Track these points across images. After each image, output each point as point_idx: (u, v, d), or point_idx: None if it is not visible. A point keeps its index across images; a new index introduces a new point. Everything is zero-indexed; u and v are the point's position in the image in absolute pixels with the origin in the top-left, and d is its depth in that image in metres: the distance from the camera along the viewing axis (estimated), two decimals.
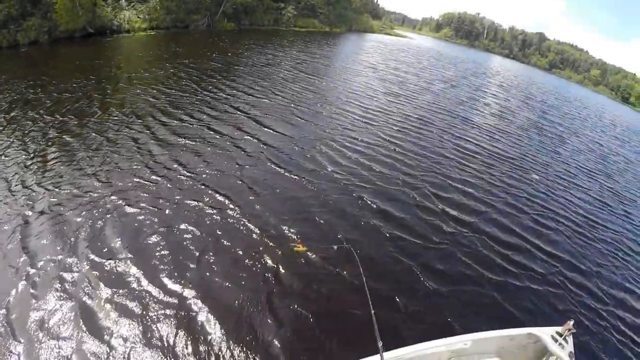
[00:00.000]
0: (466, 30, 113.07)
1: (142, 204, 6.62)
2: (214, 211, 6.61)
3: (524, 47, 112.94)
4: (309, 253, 6.07)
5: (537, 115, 25.31)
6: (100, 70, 14.11)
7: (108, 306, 4.70)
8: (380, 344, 3.05)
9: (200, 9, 24.89)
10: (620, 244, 9.98)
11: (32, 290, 4.84)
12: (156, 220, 6.28)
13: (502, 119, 20.44)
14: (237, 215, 6.61)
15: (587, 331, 6.11)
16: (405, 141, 12.78)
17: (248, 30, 29.85)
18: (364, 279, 4.10)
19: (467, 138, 15.06)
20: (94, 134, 9.23)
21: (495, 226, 8.75)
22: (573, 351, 3.92)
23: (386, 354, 3.30)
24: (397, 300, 5.65)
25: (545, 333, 4.05)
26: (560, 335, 3.99)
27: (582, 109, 39.63)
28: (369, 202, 8.22)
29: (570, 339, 4.01)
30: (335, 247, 5.95)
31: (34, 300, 4.72)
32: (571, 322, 4.03)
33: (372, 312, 3.34)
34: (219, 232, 6.21)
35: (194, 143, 9.23)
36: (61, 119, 9.81)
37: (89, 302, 4.76)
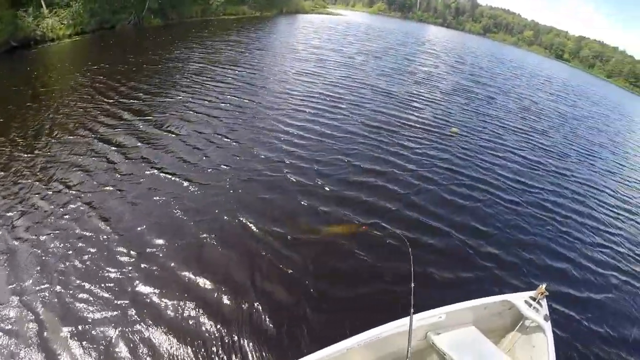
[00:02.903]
0: (399, 3, 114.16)
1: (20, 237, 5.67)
2: (88, 235, 5.83)
3: (457, 14, 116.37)
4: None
5: (466, 79, 24.89)
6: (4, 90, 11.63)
7: None
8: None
9: (126, 7, 23.92)
10: (561, 201, 9.97)
11: None
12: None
13: (426, 86, 19.50)
14: (111, 237, 5.82)
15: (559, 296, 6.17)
16: (308, 122, 11.24)
17: (175, 24, 28.28)
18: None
19: (384, 111, 13.73)
20: None
21: (419, 204, 8.06)
22: (548, 313, 4.06)
23: (361, 335, 3.40)
24: None
25: (519, 298, 4.21)
26: (534, 299, 4.14)
27: (515, 69, 40.41)
28: (248, 201, 7.10)
29: (544, 302, 4.14)
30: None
31: None
32: (543, 286, 4.15)
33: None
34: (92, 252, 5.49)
35: (80, 158, 7.97)
36: None
37: None
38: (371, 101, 14.62)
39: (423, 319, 3.87)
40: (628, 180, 13.95)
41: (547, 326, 3.96)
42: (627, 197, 12.07)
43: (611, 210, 10.53)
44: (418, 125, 12.90)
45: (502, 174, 10.61)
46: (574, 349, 5.27)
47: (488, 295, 4.33)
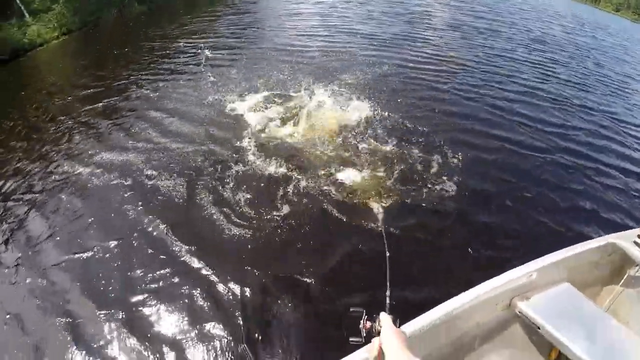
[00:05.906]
0: None
1: None
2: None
3: None
4: None
5: (466, 15, 22.40)
6: None
7: None
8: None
9: None
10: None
11: None
12: None
13: (420, 25, 17.18)
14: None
15: None
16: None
17: (160, 8, 25.60)
18: None
19: (365, 54, 11.56)
20: None
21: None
22: None
23: (434, 311, 2.43)
24: None
25: (625, 238, 3.07)
26: None
27: (520, 4, 37.29)
28: None
29: None
30: None
31: None
32: None
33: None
34: None
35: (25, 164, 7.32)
36: None
37: None
38: (351, 47, 12.40)
39: (509, 281, 2.89)
40: None
41: None
42: None
43: None
44: (410, 66, 10.86)
45: (520, 114, 8.73)
46: None
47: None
